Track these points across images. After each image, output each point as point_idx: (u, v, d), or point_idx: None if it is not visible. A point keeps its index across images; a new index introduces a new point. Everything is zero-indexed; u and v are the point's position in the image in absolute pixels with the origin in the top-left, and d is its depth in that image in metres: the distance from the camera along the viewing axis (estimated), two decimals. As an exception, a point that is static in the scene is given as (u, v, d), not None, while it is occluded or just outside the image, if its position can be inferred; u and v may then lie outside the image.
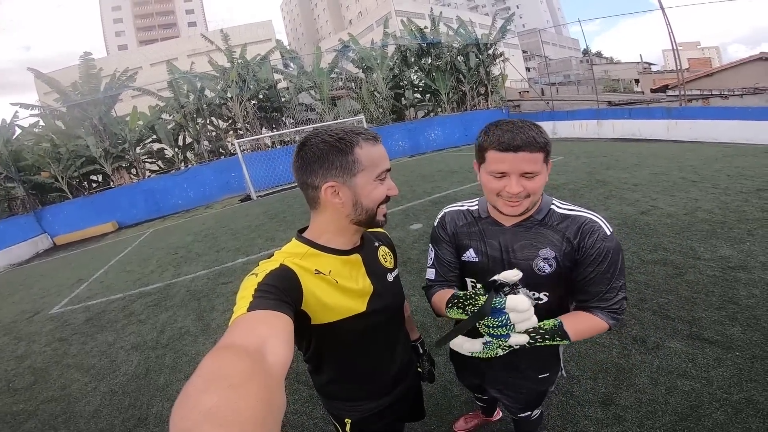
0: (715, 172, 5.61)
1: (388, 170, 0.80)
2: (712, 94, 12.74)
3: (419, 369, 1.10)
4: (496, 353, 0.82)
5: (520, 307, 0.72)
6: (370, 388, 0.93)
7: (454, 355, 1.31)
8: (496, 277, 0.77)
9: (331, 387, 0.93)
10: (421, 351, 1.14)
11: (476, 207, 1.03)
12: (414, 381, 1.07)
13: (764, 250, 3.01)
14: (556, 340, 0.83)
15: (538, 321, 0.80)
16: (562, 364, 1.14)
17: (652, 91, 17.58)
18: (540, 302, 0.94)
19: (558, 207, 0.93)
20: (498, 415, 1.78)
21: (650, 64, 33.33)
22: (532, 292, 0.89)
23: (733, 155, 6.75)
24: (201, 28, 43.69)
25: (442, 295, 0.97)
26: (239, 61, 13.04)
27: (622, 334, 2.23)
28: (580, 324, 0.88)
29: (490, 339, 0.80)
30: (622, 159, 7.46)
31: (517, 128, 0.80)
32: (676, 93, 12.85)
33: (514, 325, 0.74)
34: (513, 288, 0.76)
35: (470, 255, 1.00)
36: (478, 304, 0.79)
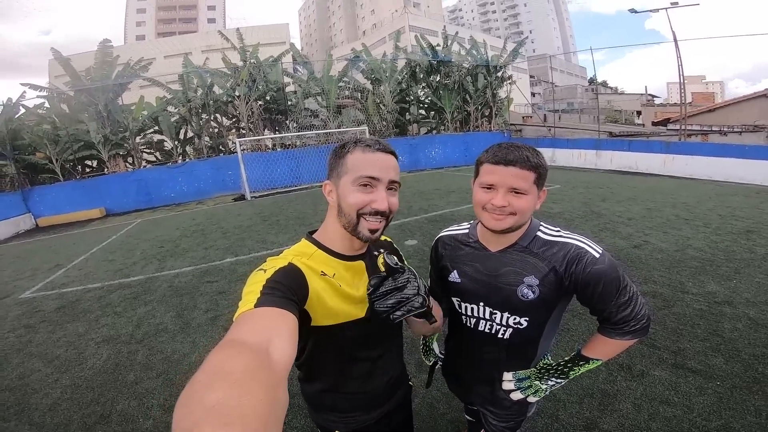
0: (708, 210, 5.68)
1: (372, 177, 0.77)
2: (711, 130, 12.88)
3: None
4: None
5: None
6: (363, 399, 0.91)
7: (445, 367, 1.29)
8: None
9: (323, 396, 0.91)
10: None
11: (466, 231, 1.07)
12: (406, 395, 1.05)
13: (749, 288, 3.05)
14: (585, 366, 0.96)
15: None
16: None
17: (653, 123, 17.87)
18: (520, 327, 0.96)
19: (543, 233, 0.94)
20: None
21: (654, 96, 33.99)
22: (513, 317, 0.95)
23: (726, 194, 6.87)
24: (220, 26, 44.50)
25: None
26: (252, 60, 13.15)
27: (609, 360, 2.19)
28: (600, 346, 0.96)
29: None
30: (618, 192, 7.54)
31: (513, 147, 0.85)
32: (677, 127, 13.01)
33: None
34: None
35: (454, 276, 1.04)
36: None
